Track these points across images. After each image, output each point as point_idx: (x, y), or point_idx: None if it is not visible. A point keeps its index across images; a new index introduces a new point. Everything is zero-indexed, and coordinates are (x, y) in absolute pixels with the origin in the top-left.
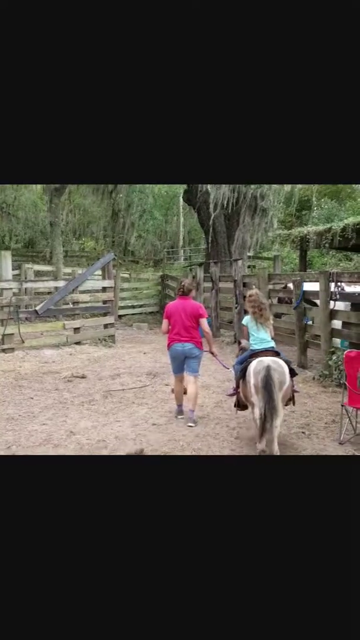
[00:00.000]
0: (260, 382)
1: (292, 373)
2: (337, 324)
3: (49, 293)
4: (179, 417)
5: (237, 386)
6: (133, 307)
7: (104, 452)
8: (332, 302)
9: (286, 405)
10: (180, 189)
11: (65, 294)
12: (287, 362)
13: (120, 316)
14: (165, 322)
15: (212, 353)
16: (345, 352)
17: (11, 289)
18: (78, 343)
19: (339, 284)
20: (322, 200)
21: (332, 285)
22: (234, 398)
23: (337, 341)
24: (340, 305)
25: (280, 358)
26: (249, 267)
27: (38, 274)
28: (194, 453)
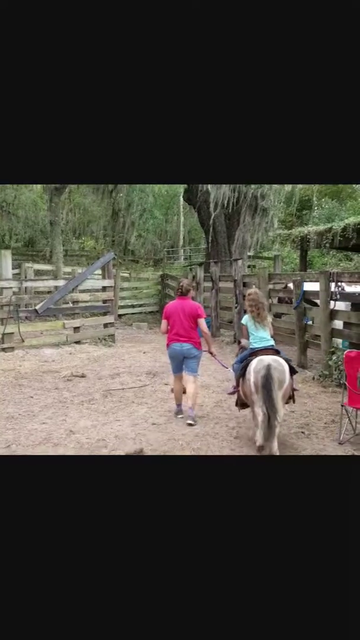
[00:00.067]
0: (260, 380)
1: (292, 371)
2: (337, 324)
3: (48, 292)
4: (179, 416)
5: (237, 384)
6: (133, 306)
7: (104, 451)
8: (332, 302)
9: (286, 403)
10: (181, 188)
11: (65, 293)
12: (287, 361)
13: (120, 315)
14: (164, 322)
15: (210, 353)
16: (345, 352)
17: (11, 288)
18: (78, 342)
19: (339, 284)
20: (323, 200)
21: (333, 285)
22: (235, 397)
23: (338, 341)
24: (340, 305)
25: (280, 356)
26: (249, 266)
27: (38, 273)
28: (193, 452)
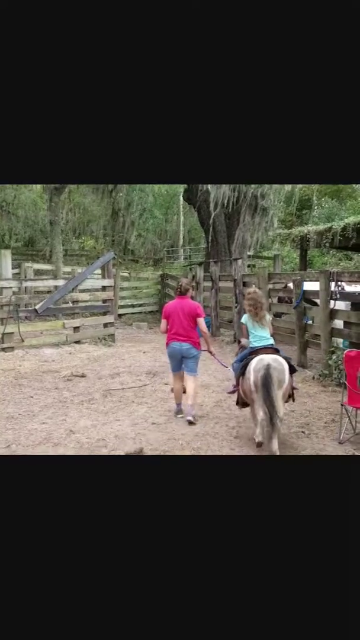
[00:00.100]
0: (260, 380)
1: (292, 370)
2: (337, 323)
3: (48, 292)
4: (179, 416)
5: (237, 383)
6: (133, 306)
7: (104, 451)
8: (332, 302)
9: (286, 402)
10: (181, 187)
11: (65, 293)
12: (287, 359)
13: (120, 315)
14: (163, 321)
15: (210, 352)
16: (345, 351)
17: (11, 287)
18: (78, 342)
19: (339, 283)
20: (323, 199)
21: (332, 284)
22: (235, 396)
23: (338, 341)
24: (340, 305)
25: (280, 355)
26: (249, 266)
27: (38, 272)
28: (193, 452)
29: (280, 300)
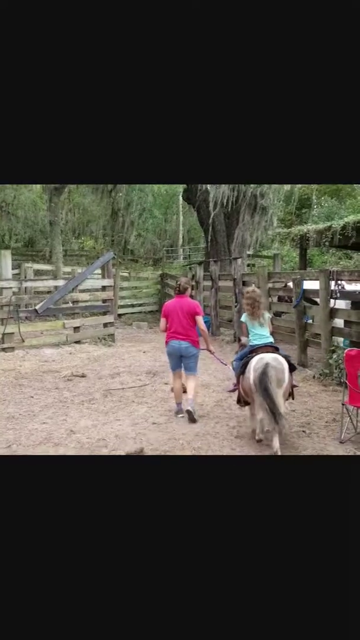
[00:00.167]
0: (257, 379)
1: (292, 368)
2: (337, 322)
3: (48, 292)
4: (179, 415)
5: (238, 382)
6: (133, 306)
7: (104, 451)
8: (332, 301)
9: (286, 400)
10: (180, 187)
11: (65, 293)
12: (286, 358)
13: (119, 315)
14: (162, 320)
15: (209, 350)
16: (345, 350)
17: (11, 288)
18: (78, 342)
19: (339, 282)
20: (322, 198)
21: (332, 283)
22: (235, 395)
23: (338, 340)
24: (340, 304)
25: (279, 354)
26: (248, 265)
27: (38, 273)
28: (193, 452)
29: (280, 299)
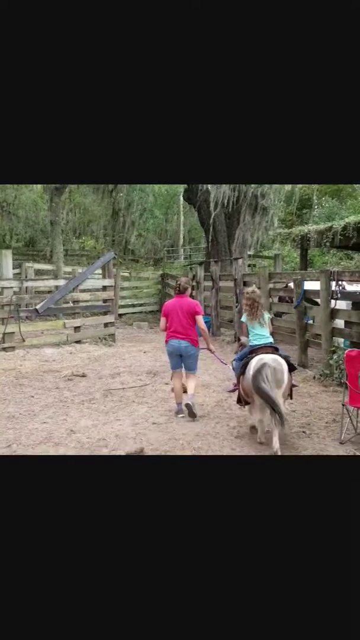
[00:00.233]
0: (259, 378)
1: (292, 368)
2: (338, 323)
3: (49, 292)
4: (179, 415)
5: (238, 382)
6: (133, 306)
7: (104, 451)
8: (333, 301)
9: (285, 400)
10: (181, 187)
11: (66, 293)
12: (286, 358)
13: (120, 315)
14: (163, 320)
15: (209, 349)
16: (346, 351)
17: (12, 287)
18: (78, 342)
19: (339, 282)
20: (323, 198)
21: (333, 284)
22: (236, 394)
23: (339, 340)
24: (341, 304)
25: (279, 354)
26: (249, 265)
27: (38, 272)
28: (194, 452)
29: (280, 299)
